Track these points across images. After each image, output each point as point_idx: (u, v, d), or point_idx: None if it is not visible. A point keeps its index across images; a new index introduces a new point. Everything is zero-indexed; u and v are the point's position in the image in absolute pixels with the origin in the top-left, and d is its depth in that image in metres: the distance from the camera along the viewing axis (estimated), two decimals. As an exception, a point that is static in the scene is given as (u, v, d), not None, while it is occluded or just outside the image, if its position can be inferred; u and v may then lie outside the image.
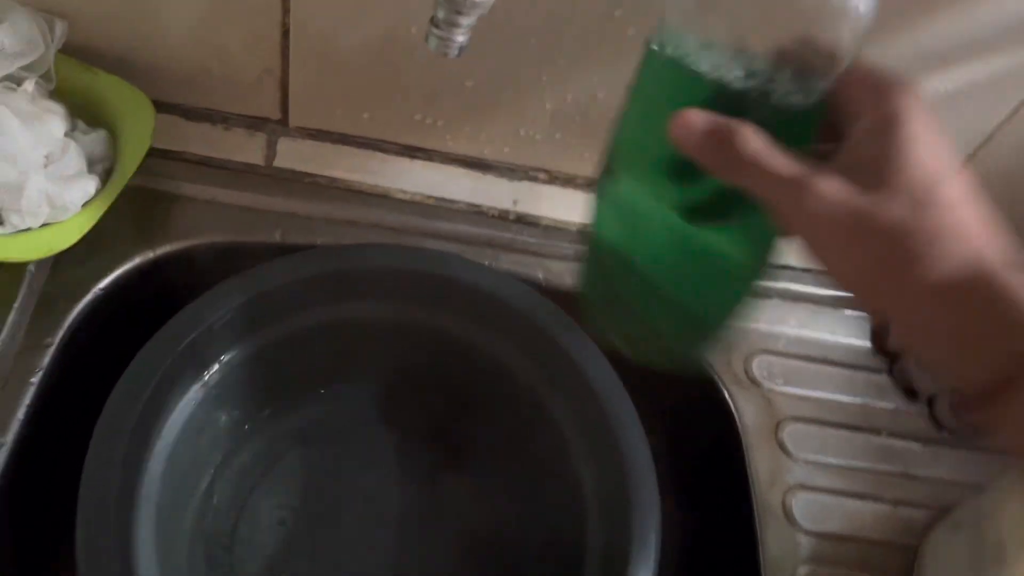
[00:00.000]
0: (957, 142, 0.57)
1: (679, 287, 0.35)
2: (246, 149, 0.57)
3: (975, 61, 0.51)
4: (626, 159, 0.34)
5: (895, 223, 0.26)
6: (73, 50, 0.52)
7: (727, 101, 0.29)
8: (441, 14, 0.35)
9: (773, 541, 0.51)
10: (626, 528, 0.48)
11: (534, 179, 0.61)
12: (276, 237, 0.55)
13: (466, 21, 0.34)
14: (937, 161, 0.27)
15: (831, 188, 0.27)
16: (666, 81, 0.32)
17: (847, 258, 0.28)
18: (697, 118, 0.28)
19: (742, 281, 0.34)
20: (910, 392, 0.58)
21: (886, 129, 0.27)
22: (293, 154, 0.58)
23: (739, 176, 0.28)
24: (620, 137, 0.35)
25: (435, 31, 0.35)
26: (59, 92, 0.51)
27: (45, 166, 0.47)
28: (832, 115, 0.30)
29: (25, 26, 0.47)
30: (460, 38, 0.35)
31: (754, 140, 0.28)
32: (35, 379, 0.47)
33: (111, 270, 0.51)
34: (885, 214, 0.26)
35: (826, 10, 0.28)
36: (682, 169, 0.30)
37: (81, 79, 0.51)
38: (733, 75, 0.29)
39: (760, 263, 0.33)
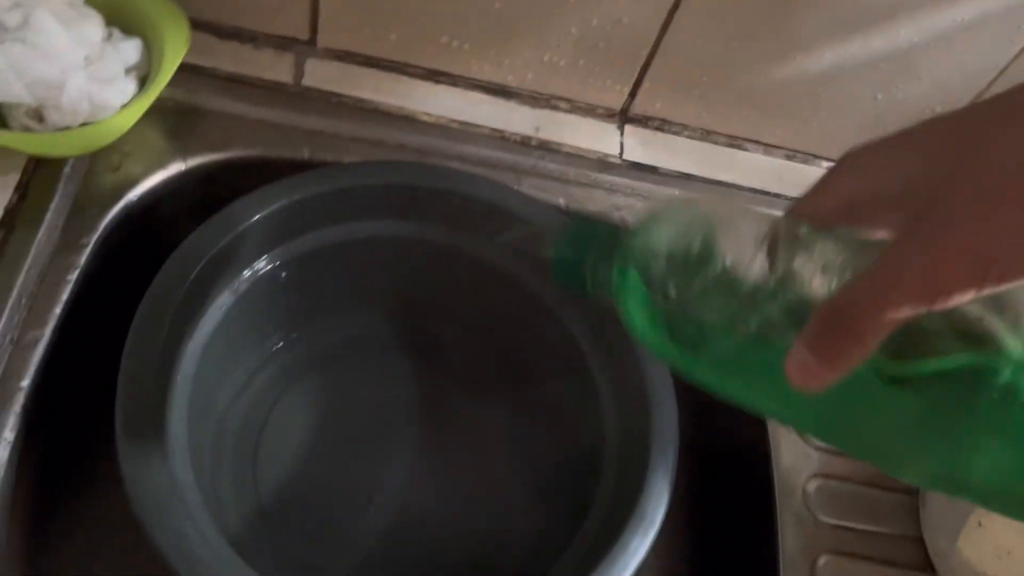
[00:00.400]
0: (971, 75, 0.58)
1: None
2: (275, 68, 0.58)
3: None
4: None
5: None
6: (108, -39, 0.52)
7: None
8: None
9: (786, 455, 0.53)
10: (644, 438, 0.49)
11: (556, 108, 0.62)
12: (304, 154, 0.56)
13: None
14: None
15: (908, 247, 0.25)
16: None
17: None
18: (802, 354, 0.27)
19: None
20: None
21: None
22: (321, 74, 0.58)
23: (877, 334, 0.26)
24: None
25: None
26: (93, 2, 0.51)
27: (85, 67, 0.47)
28: None
29: (65, -69, 0.48)
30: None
31: (850, 310, 0.26)
32: (71, 277, 0.48)
33: (144, 178, 0.52)
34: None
35: None
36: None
37: (116, -10, 0.52)
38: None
39: None
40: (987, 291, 0.24)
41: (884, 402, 0.29)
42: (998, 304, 0.27)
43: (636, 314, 0.34)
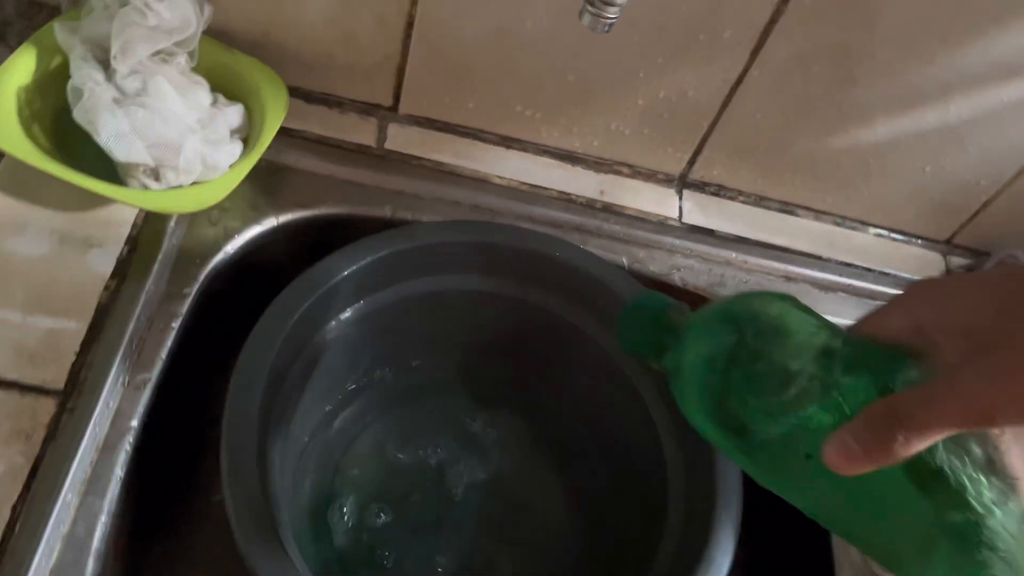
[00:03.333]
0: (1017, 150, 0.62)
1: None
2: (359, 131, 0.62)
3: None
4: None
5: None
6: (214, 32, 0.56)
7: None
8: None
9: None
10: (709, 491, 0.51)
11: (618, 172, 0.66)
12: (386, 212, 0.59)
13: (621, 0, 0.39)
14: None
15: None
16: None
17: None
18: (847, 440, 0.30)
19: None
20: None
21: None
22: (402, 138, 0.62)
23: (920, 441, 0.29)
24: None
25: (589, 8, 0.40)
26: (199, 69, 0.56)
27: (199, 130, 0.51)
28: None
29: (182, 5, 0.52)
30: (612, 16, 0.39)
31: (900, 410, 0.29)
32: (176, 324, 0.51)
33: (240, 232, 0.56)
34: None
35: None
36: None
37: (221, 58, 0.56)
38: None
39: None
40: None
41: (904, 501, 0.32)
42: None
43: (687, 395, 0.37)
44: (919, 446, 0.29)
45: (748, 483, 0.51)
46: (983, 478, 0.30)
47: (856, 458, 0.30)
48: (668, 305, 0.41)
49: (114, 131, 0.48)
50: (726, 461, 0.51)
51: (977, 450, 0.31)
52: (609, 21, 0.40)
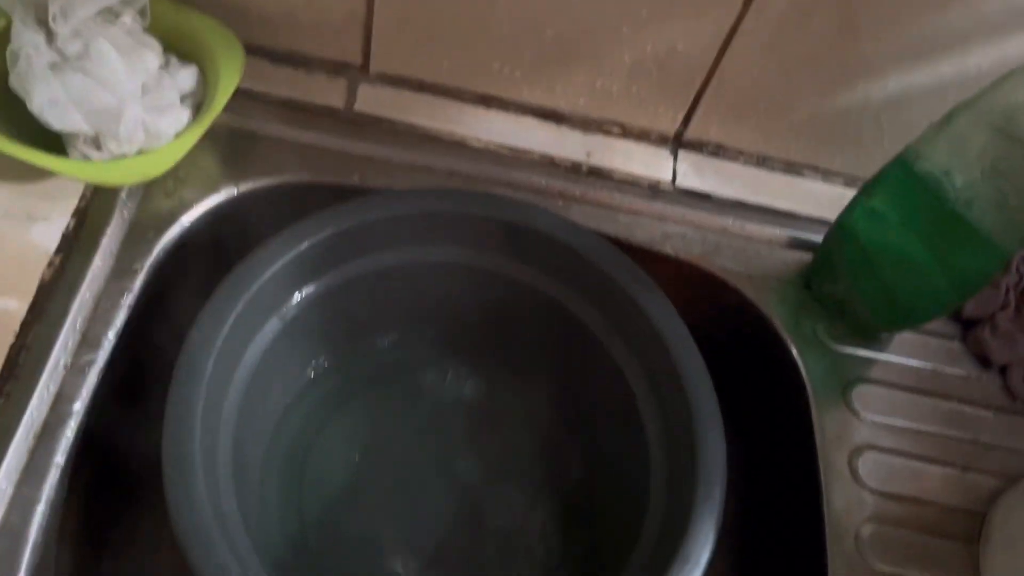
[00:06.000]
0: None
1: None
2: (327, 93, 0.58)
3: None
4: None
5: None
6: (166, -12, 0.53)
7: None
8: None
9: (838, 499, 0.51)
10: (691, 479, 0.48)
11: (608, 132, 0.61)
12: (355, 180, 0.56)
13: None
14: None
15: None
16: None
17: None
18: None
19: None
20: (983, 360, 0.57)
21: None
22: (372, 99, 0.59)
23: None
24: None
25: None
26: (152, 29, 0.52)
27: (141, 96, 0.48)
28: None
29: (125, -39, 0.49)
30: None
31: None
32: (125, 301, 0.49)
33: (197, 203, 0.53)
34: None
35: None
36: None
37: (173, 17, 0.53)
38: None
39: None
40: None
41: None
42: None
43: None
44: None
45: (733, 466, 0.48)
46: None
47: None
48: None
49: (47, 98, 0.45)
50: (709, 440, 0.48)
51: None
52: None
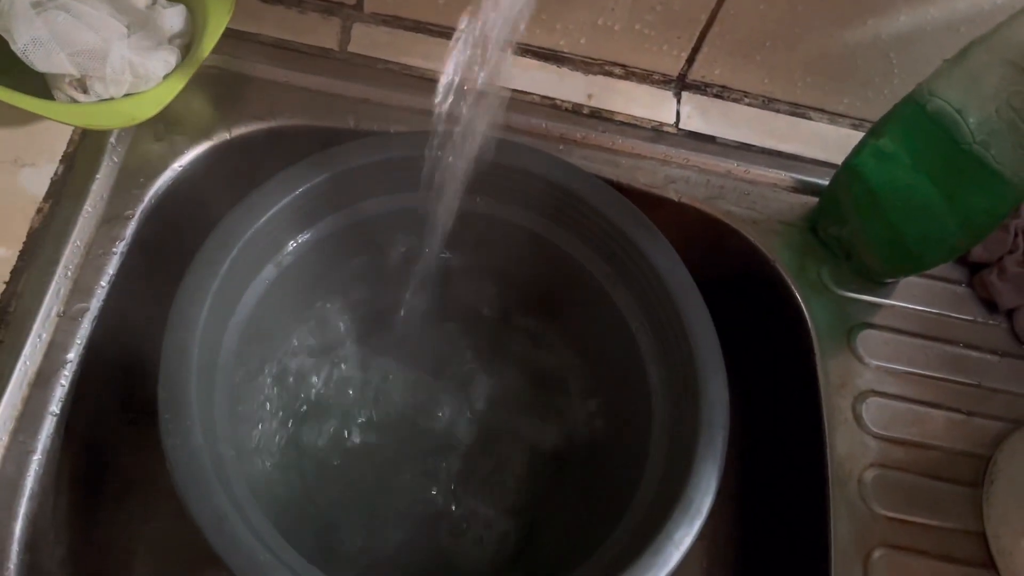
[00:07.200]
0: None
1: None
2: (321, 33, 0.57)
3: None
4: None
5: None
6: (152, -76, 0.51)
7: None
8: None
9: (841, 444, 0.51)
10: (693, 424, 0.47)
11: (609, 73, 0.60)
12: (349, 123, 0.55)
13: None
14: None
15: None
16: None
17: None
18: None
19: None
20: (990, 304, 0.56)
21: None
22: (367, 39, 0.57)
23: None
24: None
25: None
26: (138, -33, 0.51)
27: (128, 36, 0.46)
28: None
29: None
30: None
31: None
32: (117, 248, 0.48)
33: (189, 148, 0.51)
34: None
35: None
36: None
37: (160, -46, 0.51)
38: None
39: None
40: None
41: None
42: None
43: None
44: None
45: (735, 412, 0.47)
46: None
47: None
48: None
49: (31, 38, 0.44)
50: (712, 386, 0.48)
51: None
52: None
